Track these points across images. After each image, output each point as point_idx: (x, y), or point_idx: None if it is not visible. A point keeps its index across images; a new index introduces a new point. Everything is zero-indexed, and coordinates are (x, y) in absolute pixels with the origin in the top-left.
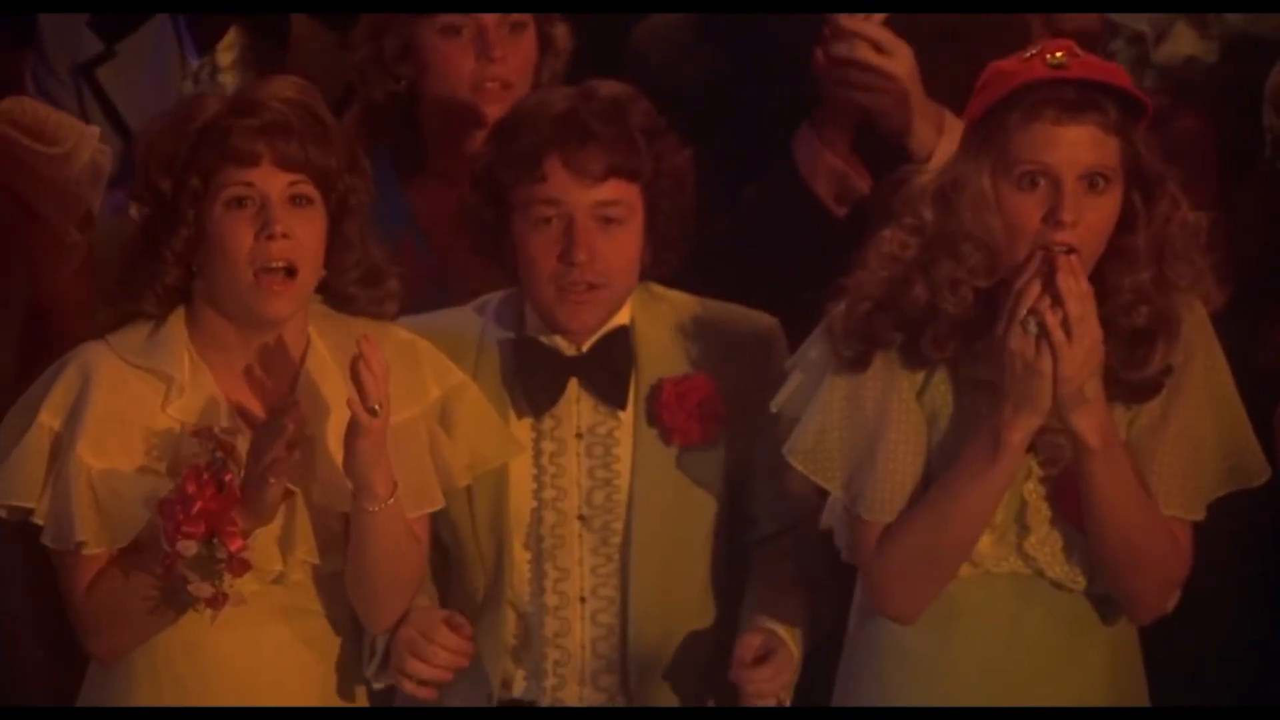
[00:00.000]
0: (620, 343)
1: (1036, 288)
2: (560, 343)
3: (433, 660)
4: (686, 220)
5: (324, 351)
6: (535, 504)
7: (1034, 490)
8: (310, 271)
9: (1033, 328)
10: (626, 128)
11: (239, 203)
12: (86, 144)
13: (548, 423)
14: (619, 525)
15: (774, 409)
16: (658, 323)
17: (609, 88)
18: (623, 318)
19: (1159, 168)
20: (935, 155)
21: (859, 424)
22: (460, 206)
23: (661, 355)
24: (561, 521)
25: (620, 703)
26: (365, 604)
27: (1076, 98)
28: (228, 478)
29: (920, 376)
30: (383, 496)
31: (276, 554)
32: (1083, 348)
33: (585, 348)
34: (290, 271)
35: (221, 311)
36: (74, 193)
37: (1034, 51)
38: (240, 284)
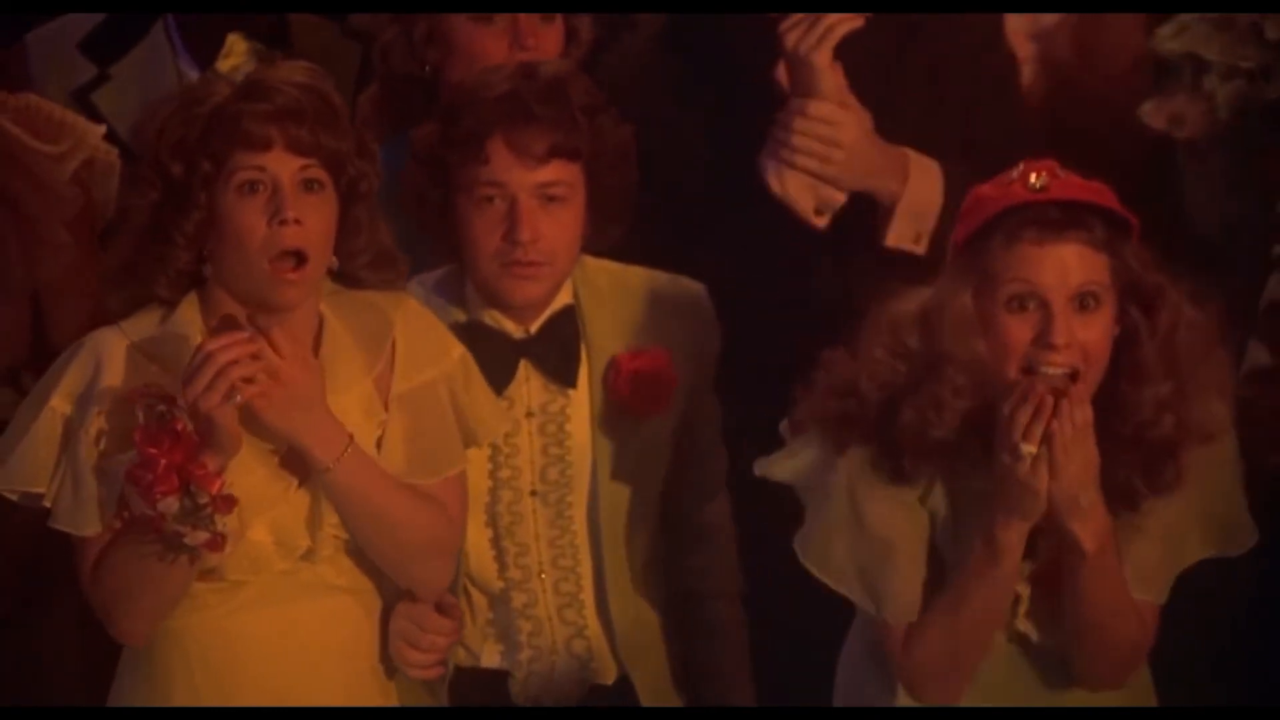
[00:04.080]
0: (568, 323)
1: (1026, 414)
2: (508, 325)
3: (429, 648)
4: (628, 196)
5: (338, 326)
6: (491, 484)
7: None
8: (320, 257)
9: (1025, 451)
10: (568, 107)
11: (251, 187)
12: (85, 144)
13: (500, 404)
14: (573, 498)
15: (758, 473)
16: (600, 298)
17: (549, 67)
18: (566, 297)
19: (1155, 278)
20: (901, 201)
21: (866, 538)
22: (403, 185)
23: (608, 331)
24: (517, 499)
25: (597, 666)
26: (391, 572)
27: (1060, 217)
28: (179, 426)
29: (920, 485)
30: (324, 458)
31: (304, 531)
32: (1076, 466)
33: (534, 329)
34: (301, 258)
35: (233, 295)
36: (65, 193)
37: (1015, 175)
38: (254, 272)
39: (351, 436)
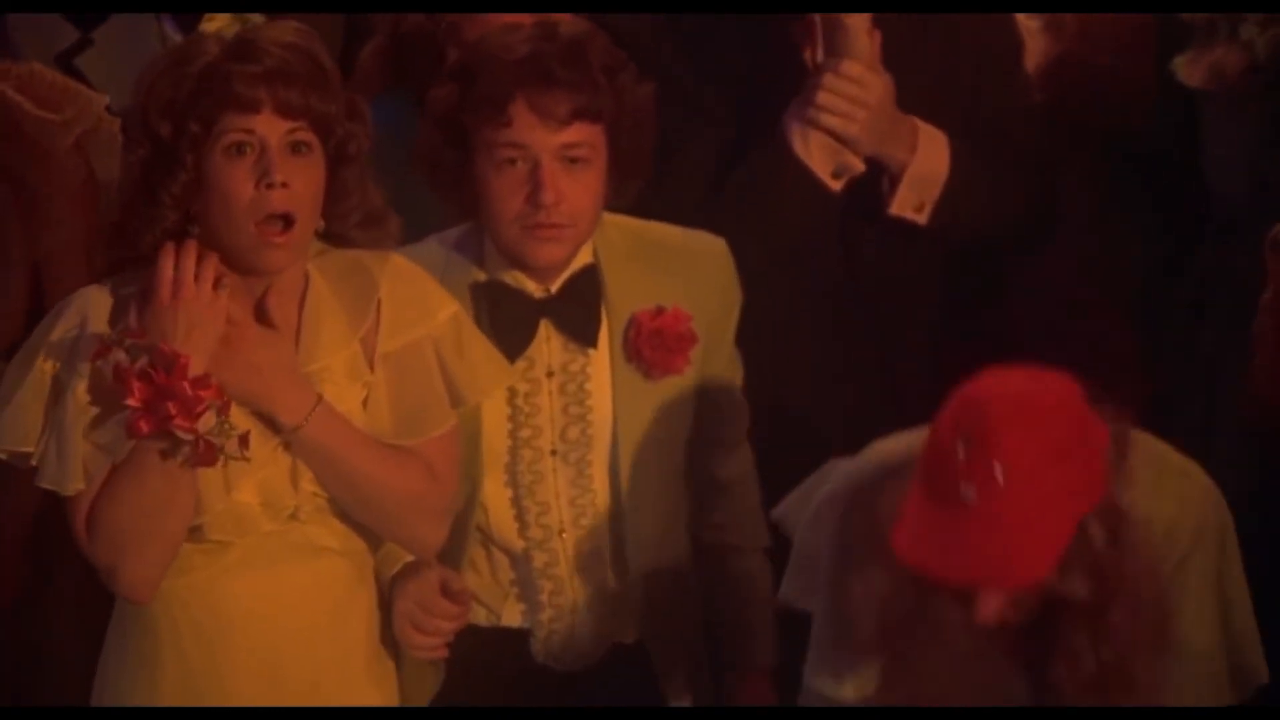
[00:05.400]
0: (589, 282)
1: None
2: (529, 285)
3: (435, 632)
4: (648, 154)
5: (323, 287)
6: (511, 443)
7: None
8: (308, 220)
9: None
10: (589, 69)
11: (238, 149)
12: (88, 113)
13: (520, 364)
14: (593, 457)
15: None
16: (618, 256)
17: (568, 27)
18: (586, 256)
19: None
20: (908, 169)
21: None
22: (417, 147)
23: (628, 290)
24: (538, 458)
25: (618, 625)
26: (378, 531)
27: None
28: (165, 348)
29: None
30: (290, 420)
31: (289, 489)
32: None
33: (554, 289)
34: (288, 221)
35: (220, 257)
36: (67, 163)
37: (961, 454)
38: (241, 234)
39: (320, 396)
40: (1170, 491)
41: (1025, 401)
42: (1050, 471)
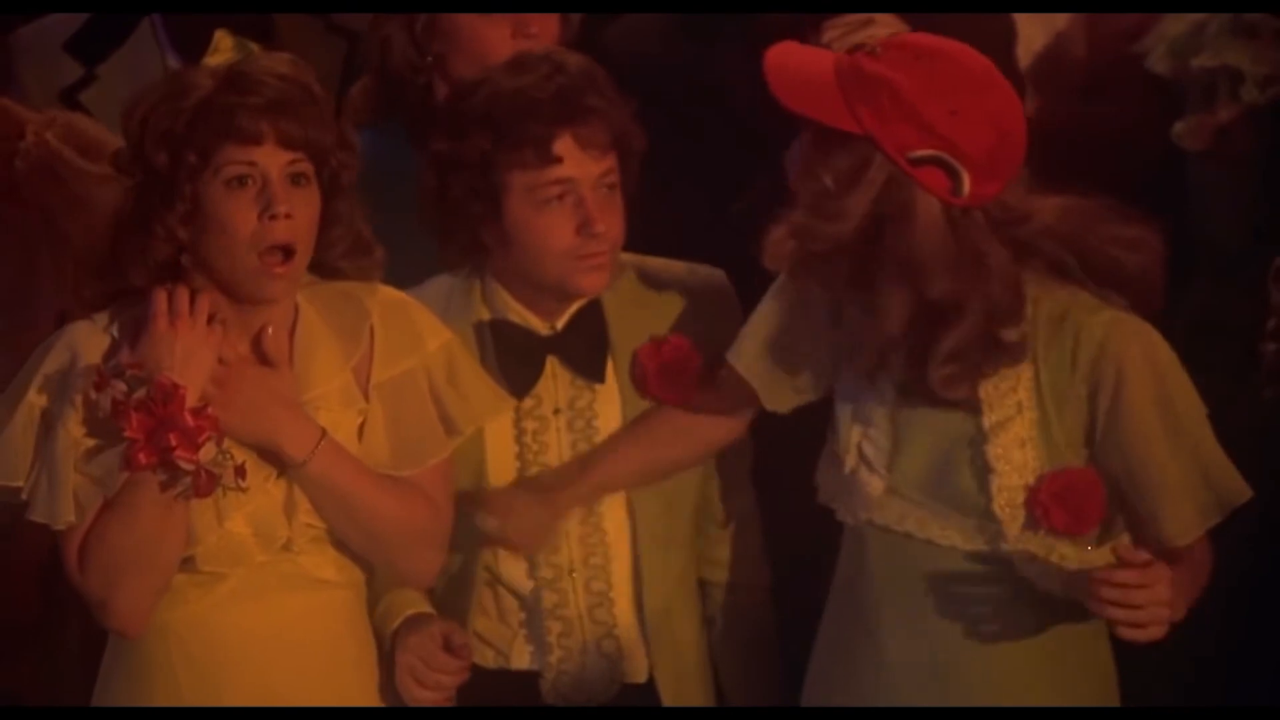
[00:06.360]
0: (593, 317)
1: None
2: (534, 322)
3: (437, 687)
4: (636, 176)
5: (313, 318)
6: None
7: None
8: (306, 250)
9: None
10: (607, 95)
11: (240, 182)
12: None
13: (528, 402)
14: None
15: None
16: (620, 291)
17: (571, 60)
18: None
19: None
20: None
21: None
22: (425, 197)
23: (632, 324)
24: None
25: (627, 666)
26: (377, 563)
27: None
28: (163, 381)
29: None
30: (296, 454)
31: (282, 520)
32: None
33: (560, 325)
34: (289, 252)
35: (218, 287)
36: (103, 214)
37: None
38: (242, 265)
39: (324, 431)
40: (1096, 321)
41: (947, 41)
42: (913, 79)
